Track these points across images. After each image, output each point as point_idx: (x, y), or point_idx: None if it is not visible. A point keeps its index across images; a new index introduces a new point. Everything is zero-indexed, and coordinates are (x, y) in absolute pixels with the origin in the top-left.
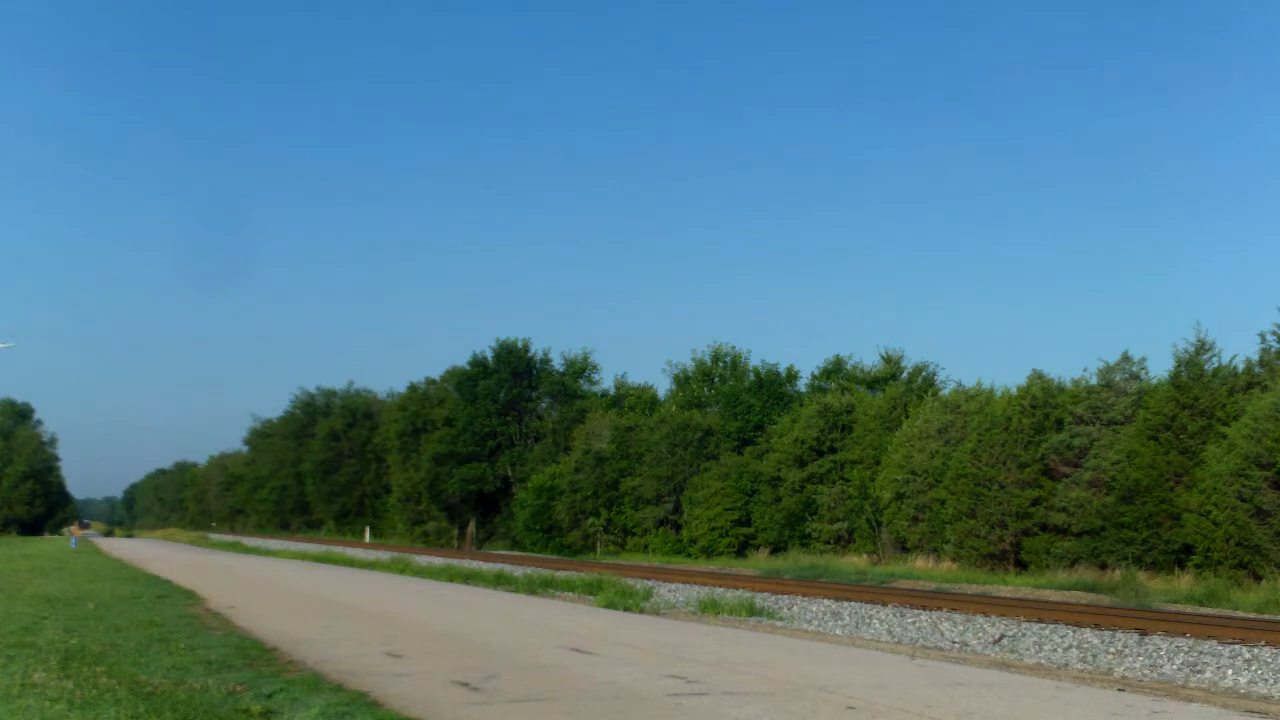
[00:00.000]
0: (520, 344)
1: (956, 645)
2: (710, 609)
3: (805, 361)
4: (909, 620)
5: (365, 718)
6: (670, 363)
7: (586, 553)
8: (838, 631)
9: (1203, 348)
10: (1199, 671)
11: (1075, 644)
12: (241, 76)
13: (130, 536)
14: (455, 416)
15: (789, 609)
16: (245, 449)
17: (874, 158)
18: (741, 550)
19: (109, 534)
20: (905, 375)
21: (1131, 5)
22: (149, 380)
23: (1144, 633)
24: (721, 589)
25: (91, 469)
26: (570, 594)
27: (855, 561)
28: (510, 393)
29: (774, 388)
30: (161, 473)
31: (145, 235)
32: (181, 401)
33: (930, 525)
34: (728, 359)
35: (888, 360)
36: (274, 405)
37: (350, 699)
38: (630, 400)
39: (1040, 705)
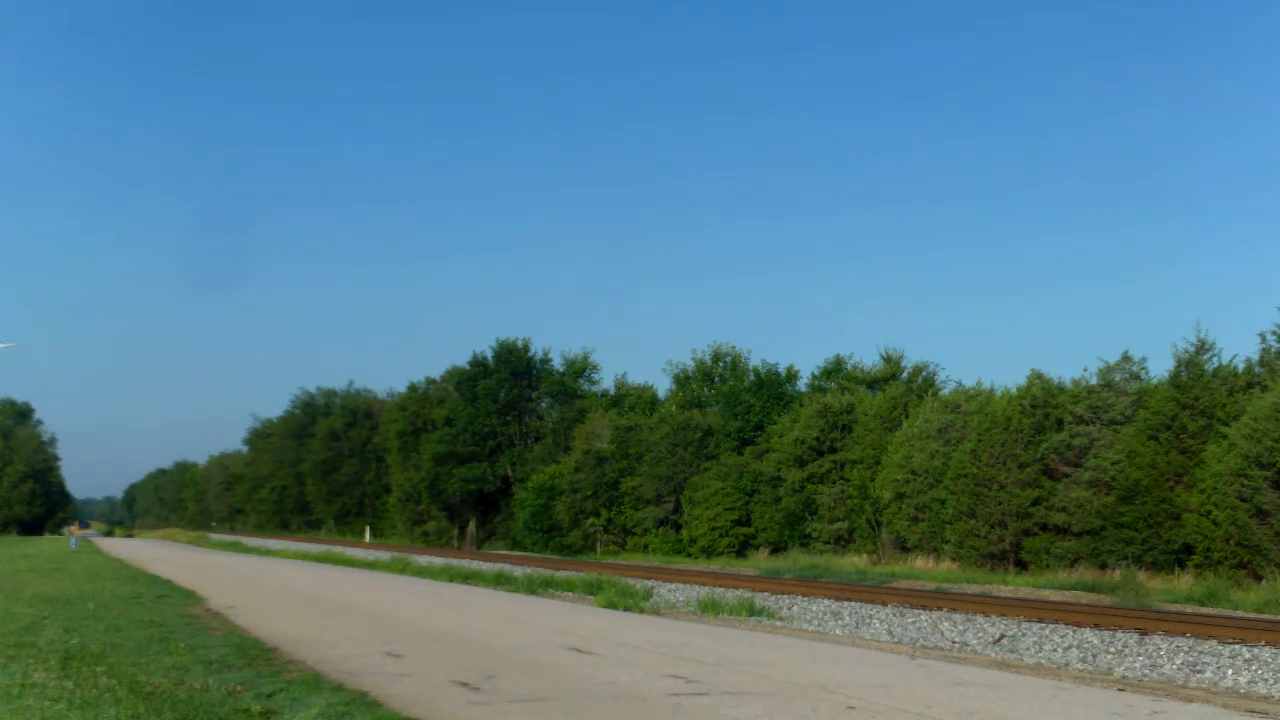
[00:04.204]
0: (520, 344)
1: (956, 645)
2: (710, 609)
3: (805, 361)
4: (909, 620)
5: (365, 718)
6: (670, 363)
7: (586, 553)
8: (838, 631)
9: (1203, 348)
10: (1199, 671)
11: (1075, 644)
12: (242, 77)
13: (130, 536)
14: (455, 416)
15: (789, 609)
16: (245, 449)
17: (874, 157)
18: (741, 550)
19: (109, 534)
20: (905, 375)
21: (1131, 5)
22: (149, 380)
23: (1144, 633)
24: (721, 589)
25: (91, 469)
26: (570, 594)
27: (855, 561)
28: (510, 393)
29: (774, 387)
30: (161, 473)
31: (145, 235)
32: (181, 401)
33: (930, 525)
34: (728, 359)
35: (888, 360)
36: (274, 405)
37: (350, 699)
38: (630, 400)
39: (1040, 705)
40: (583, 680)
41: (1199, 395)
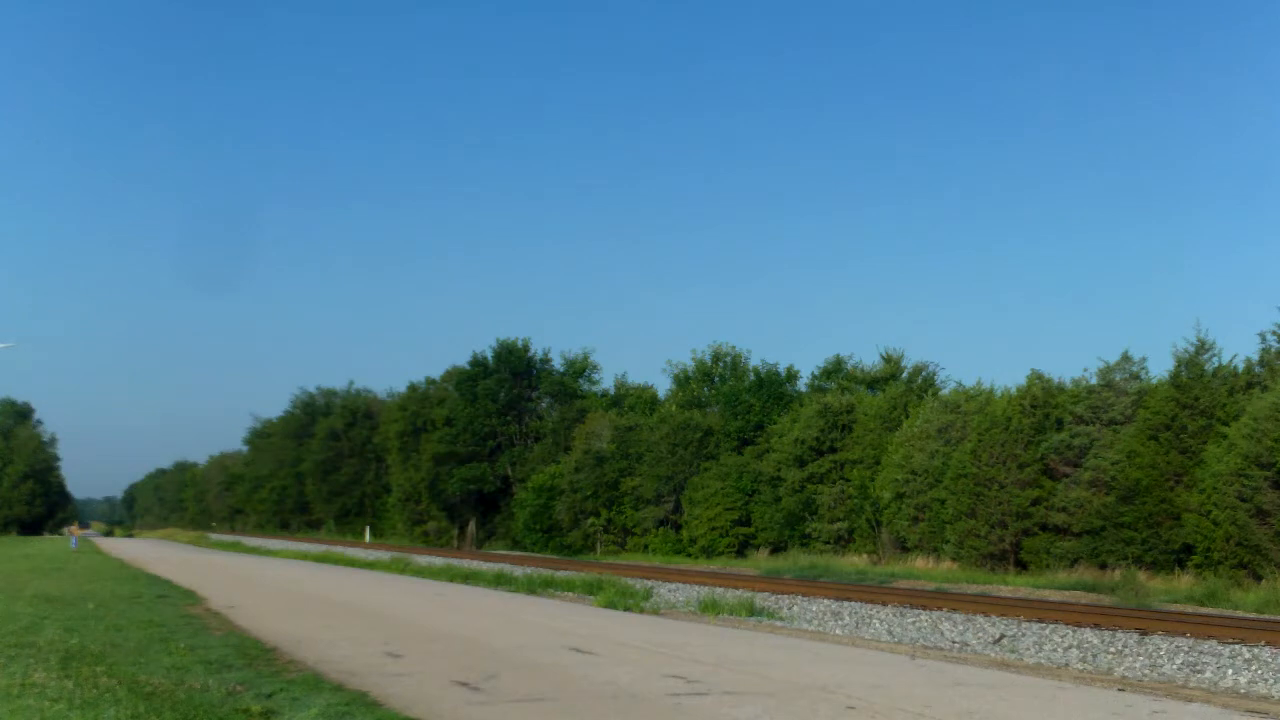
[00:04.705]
0: (520, 344)
1: (956, 645)
2: (710, 609)
3: (805, 361)
4: (909, 620)
5: (365, 718)
6: (670, 363)
7: (586, 553)
8: (838, 631)
9: (1203, 348)
10: (1199, 671)
11: (1075, 644)
12: (241, 76)
13: (130, 536)
14: (455, 416)
15: (789, 609)
16: (245, 449)
17: (874, 157)
18: (741, 550)
19: (109, 534)
20: (905, 375)
21: (1131, 4)
22: (149, 380)
23: (1144, 633)
24: (721, 589)
25: (91, 469)
26: (570, 594)
27: (855, 561)
28: (510, 393)
29: (774, 388)
30: (161, 473)
31: (145, 235)
32: (181, 401)
33: (930, 525)
34: (728, 359)
35: (888, 360)
36: (274, 405)
37: (350, 699)
38: (630, 400)
39: (1040, 705)
40: (582, 680)
41: (1199, 395)
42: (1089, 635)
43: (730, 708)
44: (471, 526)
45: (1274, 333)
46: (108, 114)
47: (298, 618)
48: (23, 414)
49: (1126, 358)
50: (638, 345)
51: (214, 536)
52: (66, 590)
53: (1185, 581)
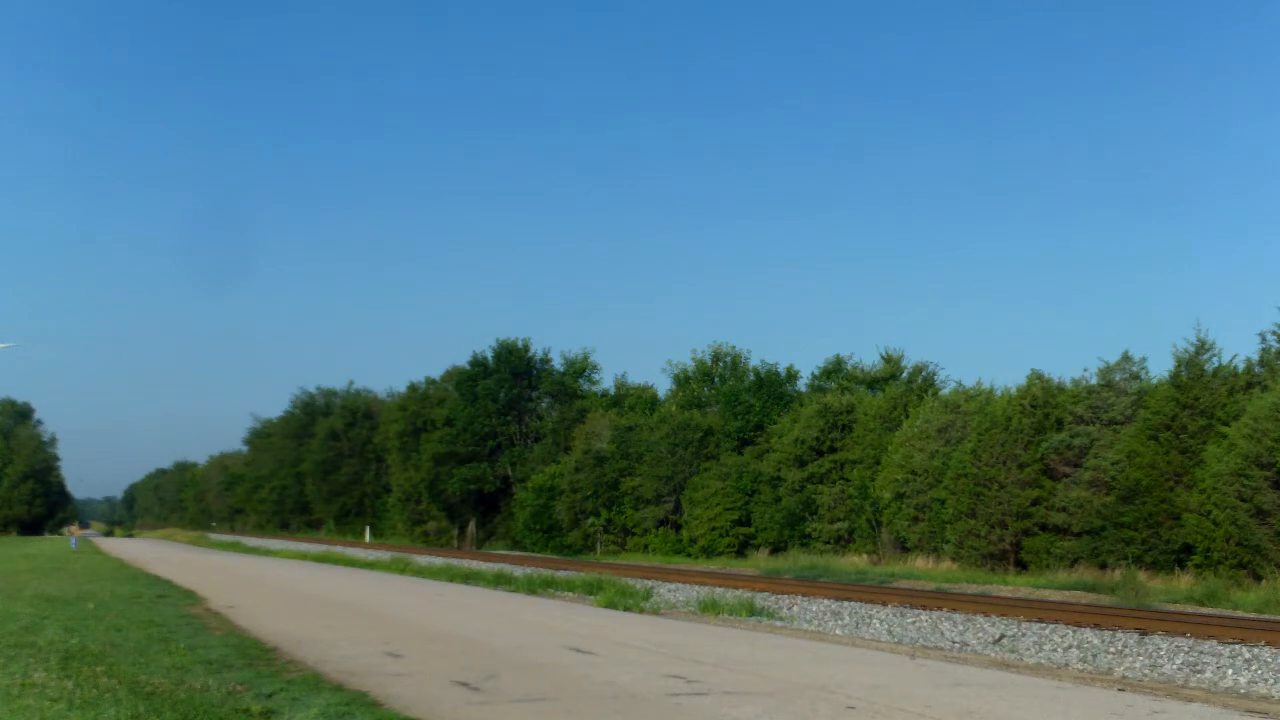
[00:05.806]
0: (520, 344)
1: (956, 645)
2: (710, 609)
3: (805, 361)
4: (909, 620)
5: (365, 718)
6: (670, 363)
7: (586, 553)
8: (838, 631)
9: (1203, 348)
10: (1199, 671)
11: (1075, 644)
12: (242, 76)
13: (130, 536)
14: (455, 416)
15: (789, 609)
16: (245, 449)
17: (874, 157)
18: (741, 550)
19: (109, 534)
20: (905, 375)
21: (1132, 4)
22: (149, 380)
23: (1144, 633)
24: (721, 589)
25: (91, 469)
26: (570, 594)
27: (855, 561)
28: (510, 393)
29: (774, 388)
30: (161, 473)
31: (145, 235)
32: (181, 401)
33: (930, 525)
34: (728, 359)
35: (888, 360)
36: (274, 405)
37: (350, 699)
38: (630, 400)
39: (1040, 705)
40: (582, 680)
41: (1199, 395)
42: (1089, 635)
43: (730, 708)
44: (471, 526)
45: (1274, 333)
46: (108, 114)
47: (298, 618)
48: (23, 414)
49: (1126, 358)
50: (638, 345)
51: (214, 536)
52: (66, 590)
53: (1185, 581)
